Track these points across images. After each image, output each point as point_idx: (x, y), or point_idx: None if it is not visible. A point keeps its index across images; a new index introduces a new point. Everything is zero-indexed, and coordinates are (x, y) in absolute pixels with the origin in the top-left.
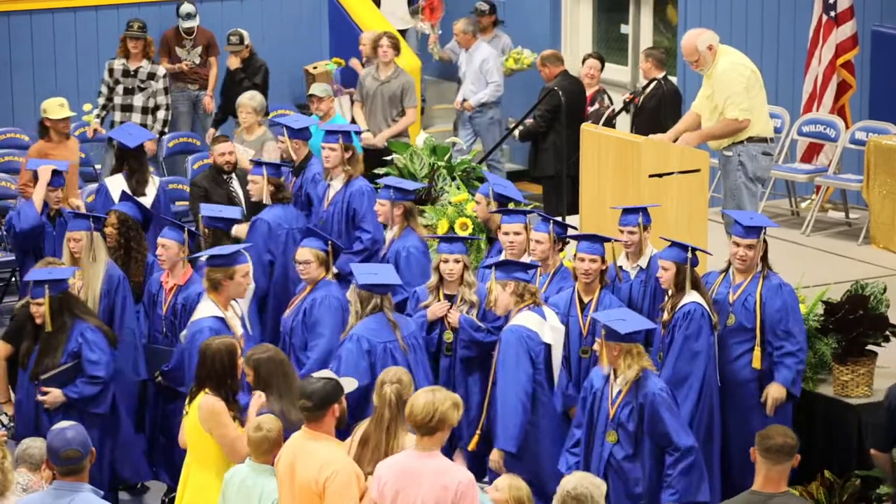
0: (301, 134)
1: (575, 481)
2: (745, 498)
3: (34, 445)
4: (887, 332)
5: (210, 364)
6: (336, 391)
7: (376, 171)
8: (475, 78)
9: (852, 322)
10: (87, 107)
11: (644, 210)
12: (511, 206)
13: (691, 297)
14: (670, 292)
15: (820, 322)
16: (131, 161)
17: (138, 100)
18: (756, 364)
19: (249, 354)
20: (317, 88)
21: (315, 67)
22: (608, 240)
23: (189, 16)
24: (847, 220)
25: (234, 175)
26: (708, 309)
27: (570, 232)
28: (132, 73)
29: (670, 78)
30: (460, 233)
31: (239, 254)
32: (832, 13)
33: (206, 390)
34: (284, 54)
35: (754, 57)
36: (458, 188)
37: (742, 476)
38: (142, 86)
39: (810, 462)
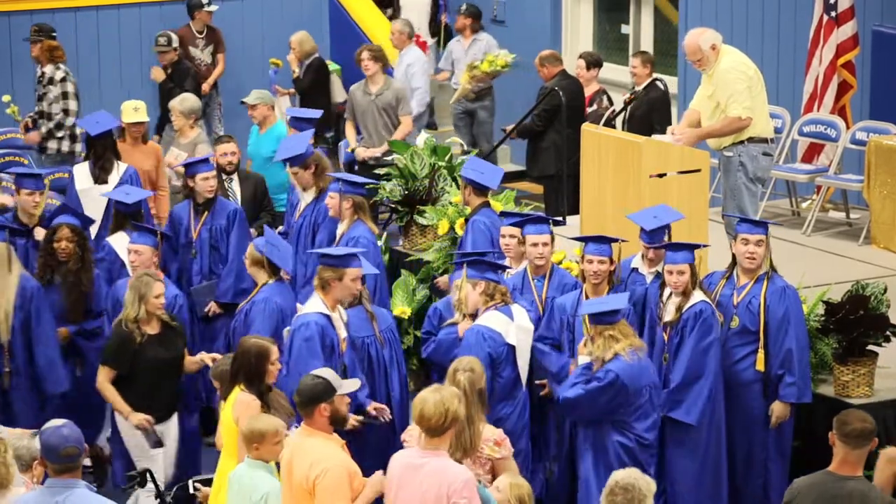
0: (304, 156)
1: (624, 473)
2: (821, 478)
3: (22, 445)
4: (888, 333)
5: (242, 361)
6: (326, 391)
7: (377, 171)
8: (403, 82)
9: (853, 322)
10: (6, 98)
11: (668, 227)
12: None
13: (698, 296)
14: (670, 294)
15: (820, 322)
16: (96, 148)
17: (45, 105)
18: (760, 366)
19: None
20: (250, 96)
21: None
22: (615, 240)
23: (210, 2)
24: (848, 221)
25: (234, 176)
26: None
27: (577, 234)
28: (39, 78)
29: (663, 79)
30: (460, 233)
31: (352, 257)
32: (833, 13)
33: (242, 387)
34: (284, 54)
35: (755, 57)
36: (459, 188)
37: (745, 477)
38: (43, 91)
39: (811, 462)
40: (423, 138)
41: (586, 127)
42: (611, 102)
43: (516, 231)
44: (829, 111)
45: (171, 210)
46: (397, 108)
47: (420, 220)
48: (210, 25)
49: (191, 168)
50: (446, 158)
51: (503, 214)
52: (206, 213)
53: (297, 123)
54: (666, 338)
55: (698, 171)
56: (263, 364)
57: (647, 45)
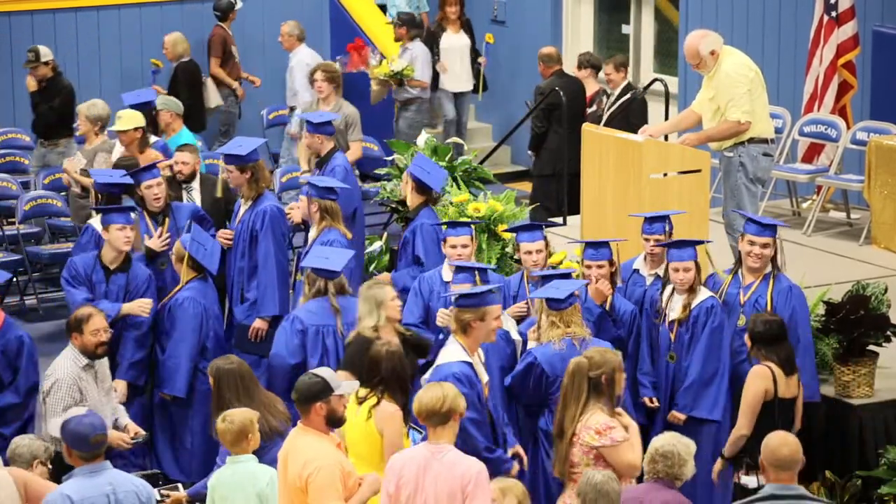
0: (322, 129)
1: (664, 440)
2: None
3: (22, 444)
4: (888, 333)
5: (387, 370)
6: (322, 391)
7: (378, 171)
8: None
9: (853, 322)
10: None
11: (668, 218)
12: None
13: (705, 293)
14: (671, 293)
15: (821, 322)
16: None
17: None
18: None
19: (213, 363)
20: (156, 102)
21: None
22: (610, 242)
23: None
24: (848, 221)
25: (193, 184)
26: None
27: (578, 234)
28: None
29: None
30: None
31: (490, 293)
32: (833, 13)
33: (387, 396)
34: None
35: (755, 57)
36: (460, 188)
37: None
38: None
39: (811, 462)
40: (423, 138)
41: (586, 127)
42: None
43: (466, 240)
44: (829, 111)
45: None
46: (346, 133)
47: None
48: None
49: (136, 177)
50: (446, 159)
51: (450, 224)
52: (166, 220)
53: (313, 128)
54: (673, 336)
55: (698, 171)
56: (405, 370)
57: (648, 45)
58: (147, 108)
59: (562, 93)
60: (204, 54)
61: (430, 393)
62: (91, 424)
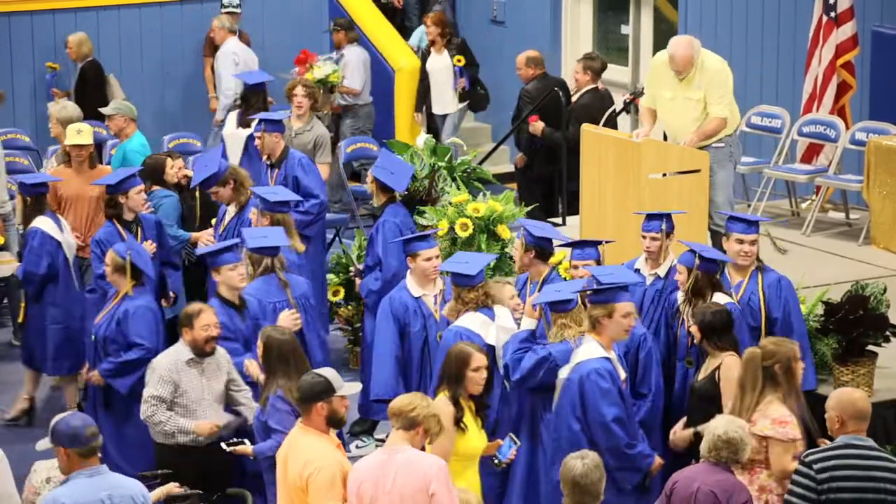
0: (277, 126)
1: (724, 425)
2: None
3: None
4: (887, 333)
5: (445, 365)
6: (324, 391)
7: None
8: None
9: (852, 322)
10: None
11: (668, 216)
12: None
13: (723, 297)
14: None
15: (820, 322)
16: (250, 98)
17: None
18: None
19: (264, 330)
20: (108, 107)
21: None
22: (599, 243)
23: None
24: (847, 221)
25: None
26: None
27: (577, 234)
28: None
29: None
30: (460, 233)
31: (620, 290)
32: (832, 13)
33: (445, 391)
34: (285, 54)
35: (754, 57)
36: (459, 189)
37: None
38: None
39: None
40: (423, 139)
41: (586, 127)
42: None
43: (437, 251)
44: (828, 111)
45: (95, 238)
46: (314, 153)
47: (420, 220)
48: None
49: (125, 184)
50: (446, 159)
51: (420, 238)
52: (138, 229)
53: (272, 128)
54: (691, 342)
55: (698, 171)
56: (463, 370)
57: (647, 45)
58: (261, 89)
59: (560, 93)
60: (199, 54)
61: (407, 398)
62: (81, 418)
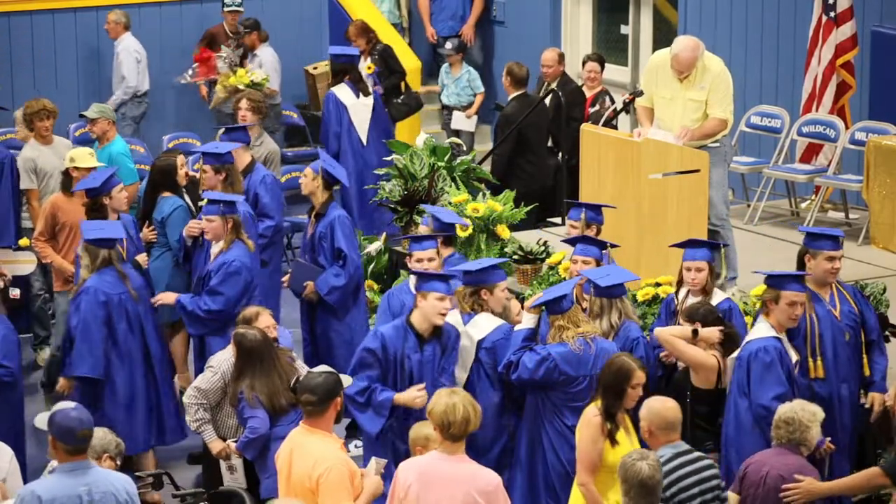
0: (239, 136)
1: (789, 406)
2: None
3: (95, 436)
4: (887, 333)
5: (604, 374)
6: (338, 385)
7: (377, 170)
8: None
9: None
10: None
11: (589, 207)
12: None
13: (721, 295)
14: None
15: None
16: (343, 70)
17: None
18: None
19: (237, 332)
20: (91, 109)
21: (315, 68)
22: (604, 244)
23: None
24: (847, 221)
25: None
26: None
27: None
28: None
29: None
30: (460, 233)
31: (790, 280)
32: (832, 13)
33: (598, 402)
34: (284, 54)
35: (754, 57)
36: (458, 188)
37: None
38: None
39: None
40: (422, 139)
41: (586, 127)
42: (613, 102)
43: (432, 253)
44: (828, 111)
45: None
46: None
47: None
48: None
49: (107, 185)
50: (446, 159)
51: (414, 239)
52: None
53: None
54: None
55: (698, 171)
56: (624, 385)
57: (647, 45)
58: (351, 62)
59: (560, 94)
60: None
61: (456, 409)
62: (78, 419)
